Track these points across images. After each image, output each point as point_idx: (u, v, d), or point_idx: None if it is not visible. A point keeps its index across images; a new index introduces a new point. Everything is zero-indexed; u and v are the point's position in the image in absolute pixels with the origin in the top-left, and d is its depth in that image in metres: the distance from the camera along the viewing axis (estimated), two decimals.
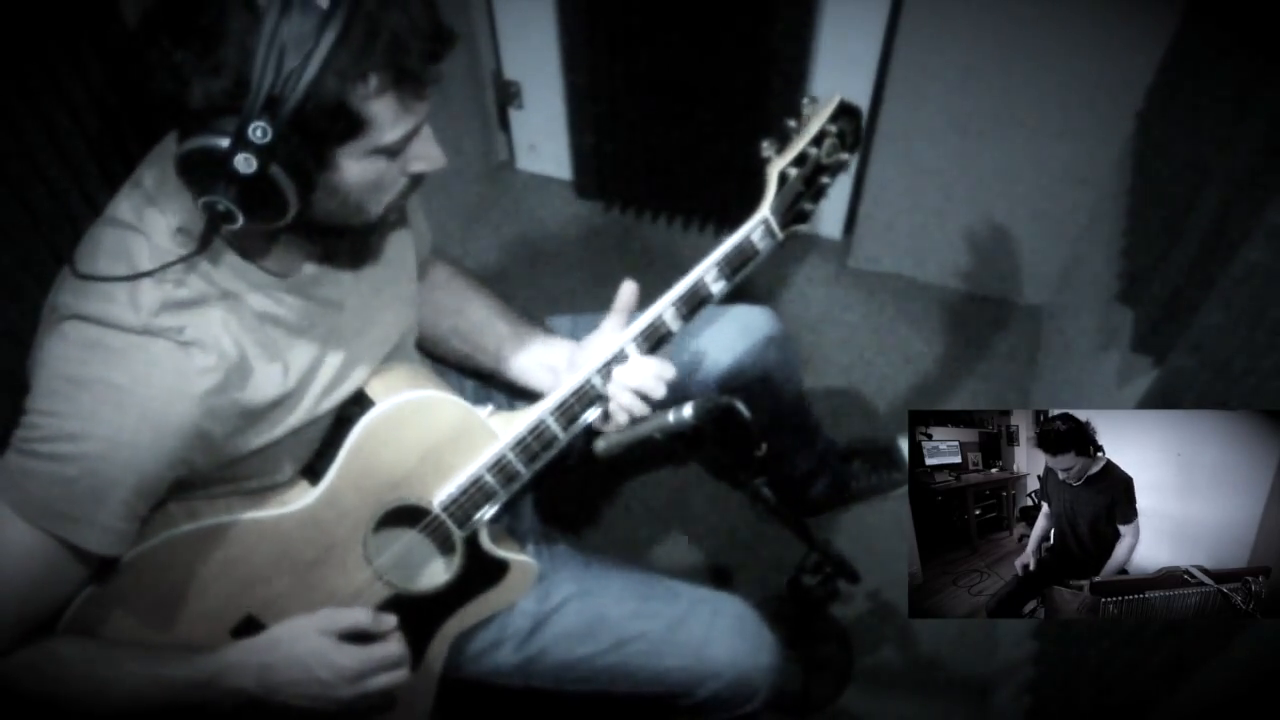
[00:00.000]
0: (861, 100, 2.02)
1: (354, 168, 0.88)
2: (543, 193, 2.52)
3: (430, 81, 0.87)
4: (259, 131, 0.79)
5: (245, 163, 0.80)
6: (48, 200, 1.16)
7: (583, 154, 2.40)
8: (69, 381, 0.87)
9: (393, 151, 0.90)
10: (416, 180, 0.96)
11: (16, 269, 1.14)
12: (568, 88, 2.28)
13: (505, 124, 2.49)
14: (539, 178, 2.55)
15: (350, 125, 0.84)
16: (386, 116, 0.86)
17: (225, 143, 0.80)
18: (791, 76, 2.01)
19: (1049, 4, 1.73)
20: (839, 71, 2.01)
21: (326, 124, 0.83)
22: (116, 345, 0.87)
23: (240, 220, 0.84)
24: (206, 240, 0.89)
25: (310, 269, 1.01)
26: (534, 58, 2.28)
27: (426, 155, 0.94)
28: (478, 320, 1.29)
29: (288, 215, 0.86)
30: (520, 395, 1.30)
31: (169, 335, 0.89)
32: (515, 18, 2.24)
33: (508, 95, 2.40)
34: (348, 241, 1.04)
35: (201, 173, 0.83)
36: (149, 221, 0.91)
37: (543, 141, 2.48)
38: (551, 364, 1.24)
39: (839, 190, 2.27)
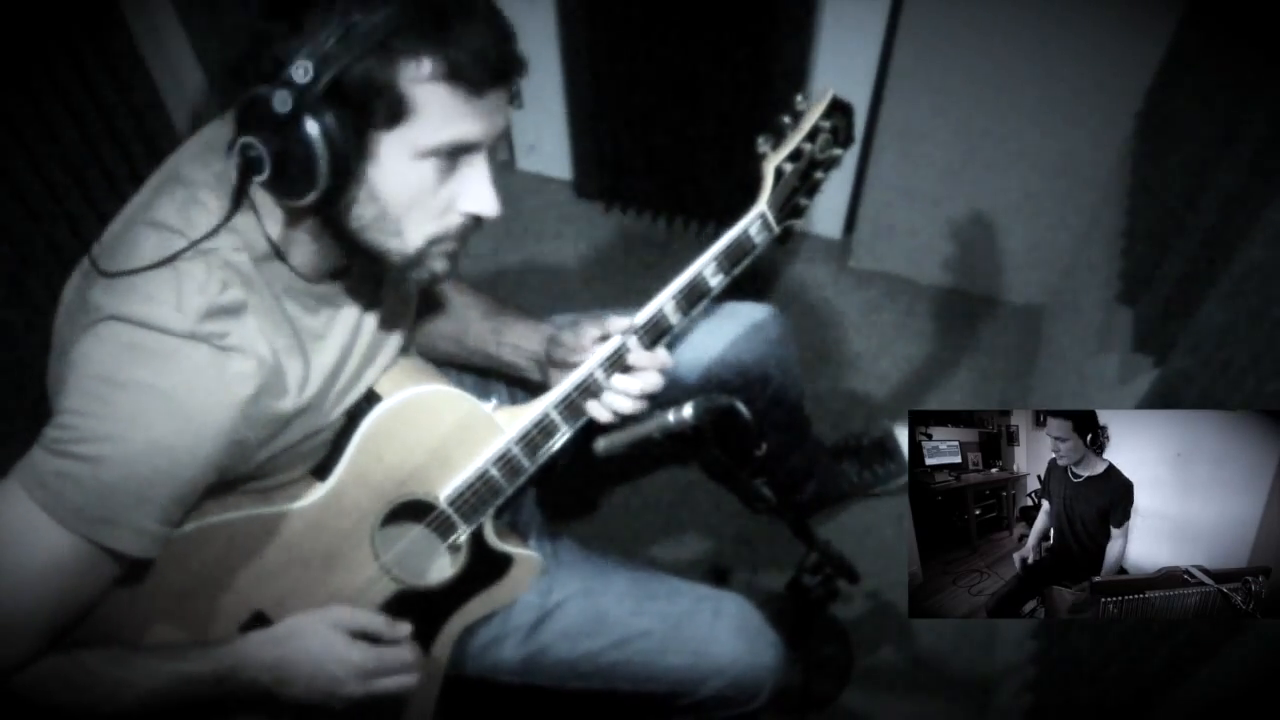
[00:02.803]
0: (861, 100, 2.03)
1: (395, 168, 0.86)
2: (543, 193, 2.52)
3: (485, 91, 0.86)
4: (300, 70, 0.80)
5: (282, 101, 0.80)
6: (48, 200, 1.16)
7: (583, 154, 2.40)
8: (107, 383, 0.86)
9: (438, 157, 0.87)
10: (467, 227, 0.94)
11: (17, 268, 1.14)
12: (568, 88, 2.28)
13: None
14: (539, 178, 2.54)
15: (393, 107, 0.83)
16: (433, 110, 0.84)
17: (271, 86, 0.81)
18: (791, 76, 2.01)
19: (1049, 4, 1.73)
20: (839, 71, 2.01)
21: (370, 95, 0.82)
22: (159, 349, 0.86)
23: (267, 170, 0.84)
24: (240, 193, 0.88)
25: (331, 274, 1.01)
26: (534, 58, 2.27)
27: (479, 195, 0.91)
28: (454, 313, 1.29)
29: (315, 187, 0.84)
30: (520, 384, 1.31)
31: (212, 341, 0.88)
32: (515, 18, 2.24)
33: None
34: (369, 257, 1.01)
35: (246, 117, 0.83)
36: (195, 222, 0.90)
37: (543, 141, 2.48)
38: (529, 349, 1.24)
39: (839, 190, 2.27)
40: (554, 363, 1.21)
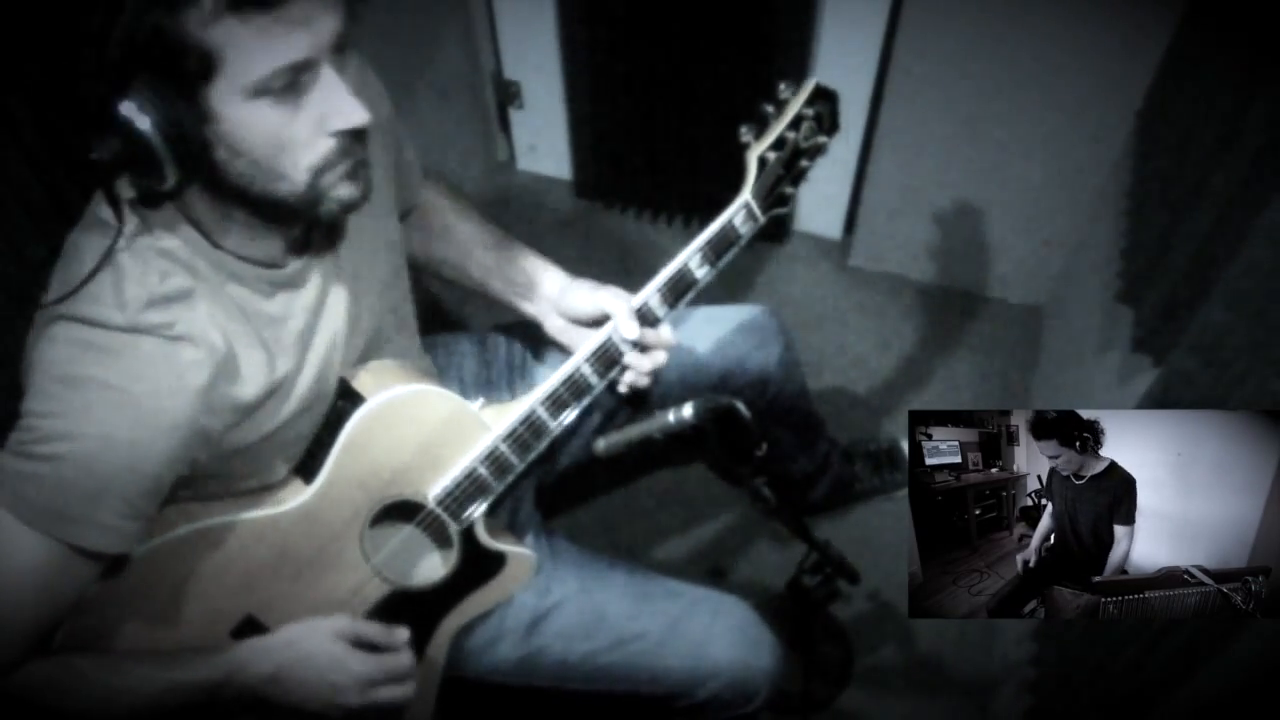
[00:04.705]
0: (861, 100, 2.03)
1: (240, 117, 0.81)
2: (543, 193, 2.52)
3: (276, 5, 0.77)
4: (87, 60, 0.76)
5: (89, 92, 0.78)
6: (47, 201, 1.16)
7: (583, 154, 2.40)
8: (60, 382, 0.86)
9: (271, 92, 0.81)
10: (347, 142, 0.87)
11: (15, 270, 1.14)
12: (568, 88, 2.28)
13: (505, 124, 2.49)
14: (539, 178, 2.54)
15: (199, 59, 0.77)
16: (239, 48, 0.77)
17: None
18: (792, 76, 2.00)
19: (1049, 4, 1.73)
20: (839, 71, 2.01)
21: (171, 56, 0.77)
22: (105, 344, 0.87)
23: (118, 169, 0.81)
24: (109, 194, 0.85)
25: (287, 255, 0.99)
26: (534, 58, 2.28)
27: (339, 109, 0.84)
28: (463, 246, 1.28)
29: (168, 167, 0.81)
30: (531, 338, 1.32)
31: (158, 331, 0.88)
32: (515, 18, 2.24)
33: (508, 95, 2.40)
34: (322, 226, 0.99)
35: (79, 122, 0.80)
36: (128, 219, 0.88)
37: (543, 141, 2.48)
38: (528, 285, 1.24)
39: (839, 190, 2.27)
40: (561, 313, 1.22)
